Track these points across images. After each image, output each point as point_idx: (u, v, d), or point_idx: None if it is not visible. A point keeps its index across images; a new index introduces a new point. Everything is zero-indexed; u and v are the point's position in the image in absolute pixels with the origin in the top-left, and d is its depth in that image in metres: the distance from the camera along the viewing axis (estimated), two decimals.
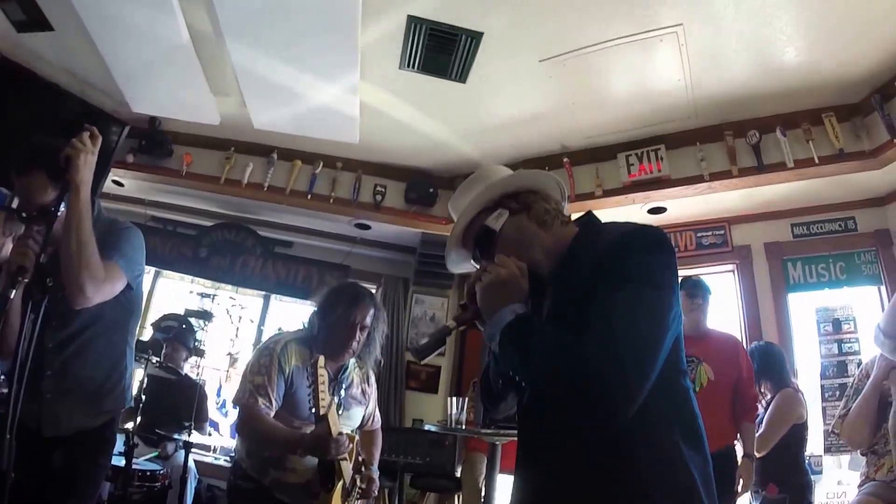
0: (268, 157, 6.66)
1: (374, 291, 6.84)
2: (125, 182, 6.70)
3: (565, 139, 5.79)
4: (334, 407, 3.15)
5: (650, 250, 1.64)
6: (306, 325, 3.43)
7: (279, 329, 6.83)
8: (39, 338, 2.15)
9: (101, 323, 2.77)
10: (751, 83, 4.71)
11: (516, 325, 1.64)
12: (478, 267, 1.95)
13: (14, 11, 5.11)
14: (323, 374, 3.01)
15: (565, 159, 5.81)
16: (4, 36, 5.46)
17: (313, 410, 2.97)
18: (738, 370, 4.46)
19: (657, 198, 5.60)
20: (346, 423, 3.31)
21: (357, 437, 3.25)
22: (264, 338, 7.14)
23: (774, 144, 4.95)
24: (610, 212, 5.73)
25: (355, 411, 3.43)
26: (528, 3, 4.13)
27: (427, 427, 5.51)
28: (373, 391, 3.66)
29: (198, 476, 5.79)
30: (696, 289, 4.62)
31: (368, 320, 3.39)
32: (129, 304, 2.88)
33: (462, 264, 2.08)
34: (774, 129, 4.92)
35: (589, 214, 1.93)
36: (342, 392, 3.36)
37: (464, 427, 4.97)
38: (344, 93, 5.18)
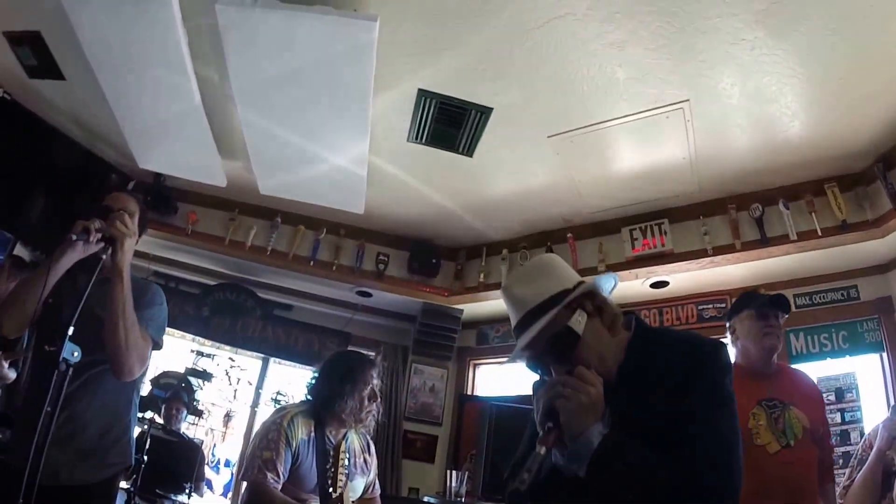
0: (272, 220, 6.69)
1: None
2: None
3: (570, 214, 5.84)
4: (349, 486, 3.21)
5: (725, 366, 1.77)
6: (309, 397, 3.43)
7: (277, 393, 6.84)
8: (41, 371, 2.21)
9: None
10: (755, 157, 4.74)
11: (610, 447, 1.60)
12: (527, 361, 1.96)
13: (27, 56, 5.11)
14: (345, 457, 3.19)
15: (569, 234, 5.87)
16: (15, 79, 5.47)
17: (330, 490, 3.08)
18: (824, 416, 3.50)
19: (661, 273, 5.60)
20: (350, 494, 3.29)
21: None
22: (262, 400, 7.19)
23: (777, 217, 4.94)
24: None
25: (358, 482, 3.42)
26: (539, 81, 4.22)
27: (426, 498, 5.46)
28: (373, 460, 3.66)
29: None
30: (769, 307, 3.46)
31: (378, 389, 3.47)
32: None
33: (519, 360, 1.98)
34: (777, 201, 4.92)
35: (636, 318, 1.95)
36: (346, 463, 3.36)
37: (462, 499, 4.93)
38: (352, 163, 5.18)
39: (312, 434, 3.22)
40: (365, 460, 3.53)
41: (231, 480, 7.58)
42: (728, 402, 1.71)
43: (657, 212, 5.52)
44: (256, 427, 3.49)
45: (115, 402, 2.78)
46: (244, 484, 3.16)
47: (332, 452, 3.21)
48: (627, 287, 5.81)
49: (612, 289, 2.01)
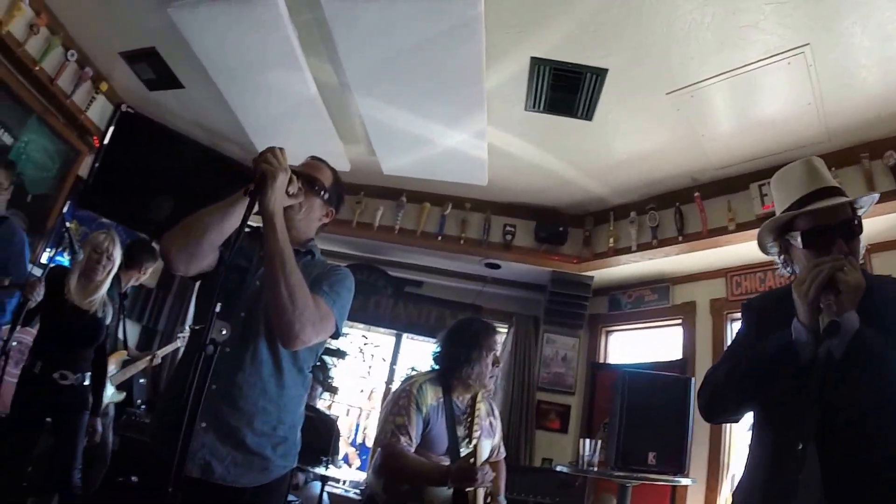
0: (397, 200, 6.87)
1: (504, 330, 6.89)
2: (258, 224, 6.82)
3: (695, 172, 5.63)
4: (482, 444, 3.29)
5: None
6: (435, 365, 3.54)
7: (411, 368, 7.00)
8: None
9: None
10: (885, 100, 4.36)
11: (870, 331, 1.73)
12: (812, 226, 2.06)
13: (144, 71, 5.54)
14: (480, 408, 3.29)
15: (696, 193, 5.63)
16: (137, 94, 5.96)
17: (466, 441, 3.21)
18: None
19: None
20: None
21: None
22: (396, 376, 7.41)
23: None
24: (744, 246, 5.37)
25: (485, 444, 3.46)
26: (651, 37, 4.10)
27: (558, 468, 5.45)
28: (498, 423, 3.73)
29: None
30: None
31: (499, 353, 3.55)
32: (320, 344, 2.53)
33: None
34: None
35: None
36: (479, 421, 3.43)
37: (595, 468, 4.90)
38: (472, 137, 5.28)
39: (441, 399, 3.35)
40: (490, 423, 3.61)
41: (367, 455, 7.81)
42: None
43: (786, 164, 5.09)
44: None
45: (287, 395, 2.38)
46: (377, 450, 3.26)
47: (466, 410, 3.32)
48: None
49: None
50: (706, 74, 4.37)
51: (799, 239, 2.07)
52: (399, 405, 3.25)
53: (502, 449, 3.81)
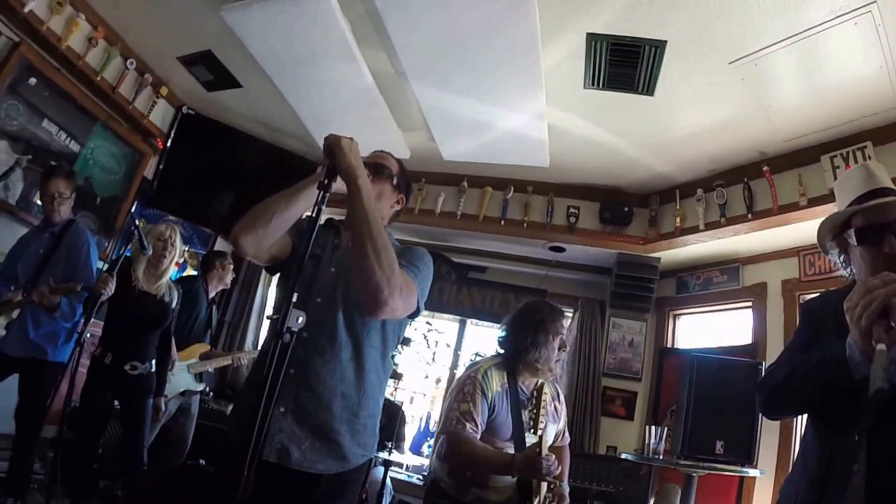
0: (458, 185, 6.84)
1: (570, 315, 6.78)
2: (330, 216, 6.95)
3: (763, 146, 5.37)
4: (547, 429, 3.29)
5: None
6: (501, 350, 3.50)
7: (475, 354, 6.95)
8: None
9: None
10: None
11: None
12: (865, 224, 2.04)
13: (202, 73, 5.80)
14: (546, 400, 3.32)
15: (765, 167, 5.38)
16: (196, 95, 6.22)
17: (532, 432, 3.20)
18: None
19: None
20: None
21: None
22: (460, 362, 7.39)
23: None
24: (817, 223, 5.10)
25: (549, 429, 3.43)
26: (709, 4, 3.90)
27: (623, 455, 5.34)
28: (563, 408, 3.67)
29: (392, 492, 6.05)
30: None
31: (566, 337, 3.50)
32: (400, 327, 2.57)
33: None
34: None
35: None
36: (546, 407, 3.44)
37: (661, 457, 4.78)
38: (531, 118, 5.21)
39: (506, 385, 3.30)
40: (556, 408, 3.57)
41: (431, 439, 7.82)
42: None
43: (858, 134, 4.84)
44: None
45: (369, 381, 2.36)
46: (442, 437, 3.24)
47: (533, 396, 3.33)
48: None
49: None
50: (769, 41, 4.14)
51: (854, 237, 2.08)
52: (464, 392, 3.21)
53: (566, 434, 3.74)
